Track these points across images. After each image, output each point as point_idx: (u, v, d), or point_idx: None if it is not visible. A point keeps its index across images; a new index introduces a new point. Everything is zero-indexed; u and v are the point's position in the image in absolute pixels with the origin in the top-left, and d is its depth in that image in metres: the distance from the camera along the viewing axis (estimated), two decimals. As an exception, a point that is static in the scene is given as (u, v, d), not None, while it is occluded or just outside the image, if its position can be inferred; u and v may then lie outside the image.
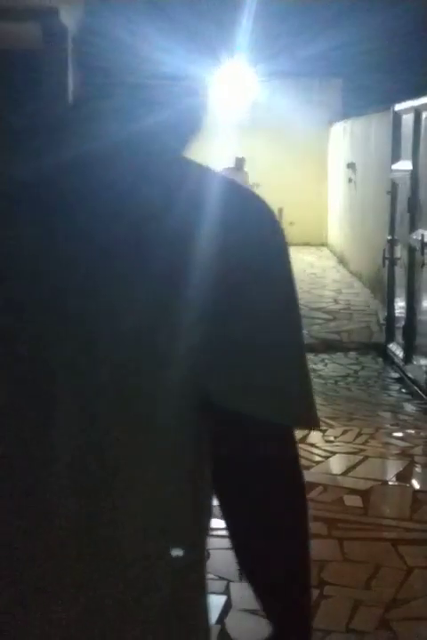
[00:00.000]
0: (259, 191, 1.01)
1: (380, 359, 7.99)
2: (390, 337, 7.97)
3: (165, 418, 0.99)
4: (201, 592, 1.08)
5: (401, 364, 7.39)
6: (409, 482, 4.57)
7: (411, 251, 7.20)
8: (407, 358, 7.22)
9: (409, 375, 7.08)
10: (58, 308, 0.97)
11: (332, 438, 5.21)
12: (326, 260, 14.78)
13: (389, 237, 7.84)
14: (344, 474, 4.58)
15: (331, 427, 5.47)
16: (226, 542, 3.87)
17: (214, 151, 15.52)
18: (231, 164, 13.39)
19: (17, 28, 9.06)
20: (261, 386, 0.99)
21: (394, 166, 7.87)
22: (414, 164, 7.16)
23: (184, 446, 1.01)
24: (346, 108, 15.00)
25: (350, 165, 13.08)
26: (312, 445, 5.03)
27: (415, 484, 4.53)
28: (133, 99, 1.02)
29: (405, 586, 3.29)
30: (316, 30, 14.14)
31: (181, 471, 1.01)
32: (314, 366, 7.74)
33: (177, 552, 1.01)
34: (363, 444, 5.10)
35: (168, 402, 0.98)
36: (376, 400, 6.84)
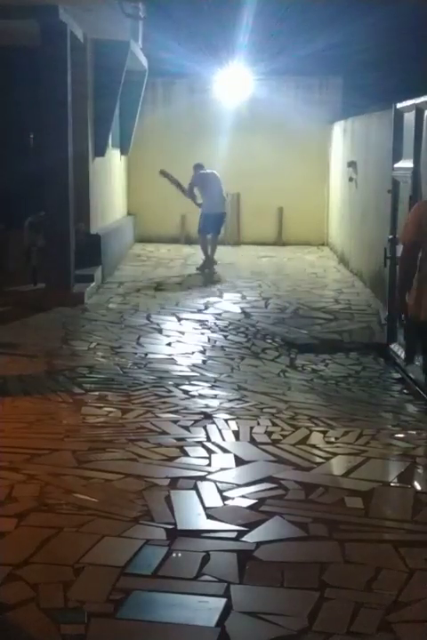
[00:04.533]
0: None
1: (381, 359, 7.95)
2: (392, 337, 7.93)
3: None
4: None
5: (403, 364, 7.36)
6: (411, 483, 4.54)
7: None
8: (409, 359, 7.18)
9: (411, 376, 7.05)
10: None
11: (333, 439, 5.18)
12: (327, 259, 14.75)
13: (390, 236, 7.80)
14: (345, 475, 4.55)
15: (332, 428, 5.44)
16: (225, 544, 3.81)
17: (214, 151, 15.51)
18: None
19: (16, 26, 9.03)
20: None
21: (395, 165, 7.84)
22: (416, 162, 7.13)
23: None
24: (346, 106, 14.98)
25: (351, 164, 13.05)
26: (313, 447, 4.99)
27: (417, 486, 4.50)
28: None
29: (406, 588, 3.26)
30: (316, 29, 14.12)
31: None
32: (314, 367, 7.70)
33: None
34: (364, 445, 5.08)
35: None
36: (378, 401, 6.80)
